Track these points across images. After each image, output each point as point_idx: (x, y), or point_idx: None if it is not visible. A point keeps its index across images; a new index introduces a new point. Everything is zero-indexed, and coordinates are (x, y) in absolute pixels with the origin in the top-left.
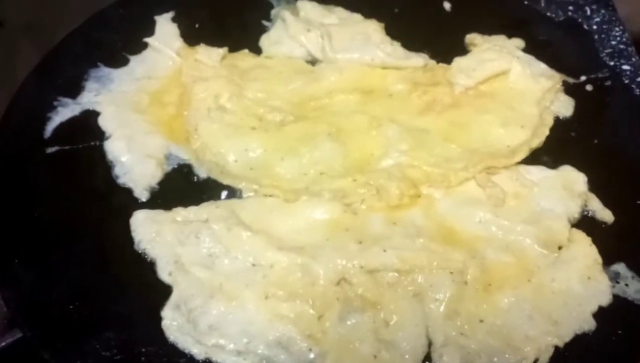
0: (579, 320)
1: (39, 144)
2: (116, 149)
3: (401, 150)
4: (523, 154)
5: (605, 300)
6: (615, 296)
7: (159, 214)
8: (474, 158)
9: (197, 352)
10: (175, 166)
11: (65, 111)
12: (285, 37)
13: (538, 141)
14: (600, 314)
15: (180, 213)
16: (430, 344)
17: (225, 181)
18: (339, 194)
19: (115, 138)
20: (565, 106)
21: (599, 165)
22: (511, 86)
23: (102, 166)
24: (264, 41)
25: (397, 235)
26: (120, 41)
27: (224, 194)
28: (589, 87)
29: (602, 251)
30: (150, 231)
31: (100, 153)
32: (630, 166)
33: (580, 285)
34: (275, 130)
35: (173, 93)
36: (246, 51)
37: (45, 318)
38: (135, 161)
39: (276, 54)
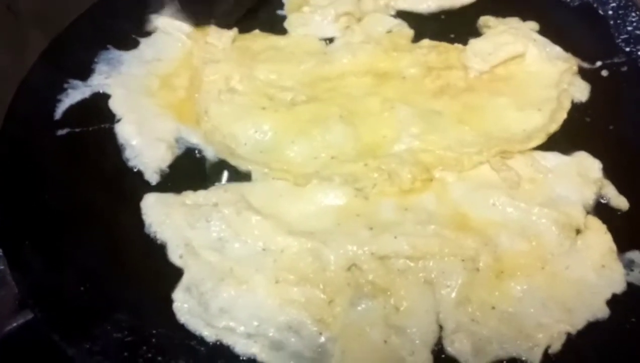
0: (593, 308)
1: (50, 127)
2: (126, 132)
3: (413, 133)
4: (540, 139)
5: (619, 288)
6: (630, 284)
7: (169, 197)
8: (488, 142)
9: (207, 334)
10: (186, 150)
11: (75, 94)
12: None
13: (556, 125)
14: (614, 302)
15: (190, 197)
16: (441, 330)
17: (235, 164)
18: (350, 179)
19: (125, 121)
20: (580, 91)
21: (614, 151)
22: (527, 69)
23: (113, 148)
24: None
25: (408, 221)
26: (129, 24)
27: (233, 177)
28: (604, 73)
29: (616, 239)
30: (161, 214)
31: (111, 135)
32: None
33: (595, 273)
34: (285, 110)
35: (183, 77)
36: (257, 31)
37: (56, 300)
38: (145, 144)
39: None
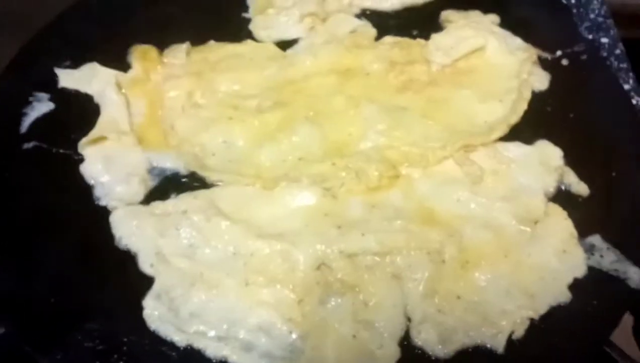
0: (555, 292)
1: (16, 140)
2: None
3: (379, 130)
4: (501, 131)
5: (580, 272)
6: (591, 268)
7: (137, 209)
8: (452, 136)
9: (178, 339)
10: (161, 178)
11: (41, 106)
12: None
13: (516, 117)
14: (576, 286)
15: (159, 207)
16: (409, 322)
17: (204, 175)
18: (318, 179)
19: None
20: (540, 80)
21: (574, 139)
22: (488, 61)
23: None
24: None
25: (375, 218)
26: (91, 37)
27: (202, 187)
28: (564, 62)
29: (577, 224)
30: (130, 227)
31: (77, 152)
32: (605, 139)
33: (556, 258)
34: (252, 118)
35: (137, 105)
36: (212, 42)
37: (26, 312)
38: (115, 182)
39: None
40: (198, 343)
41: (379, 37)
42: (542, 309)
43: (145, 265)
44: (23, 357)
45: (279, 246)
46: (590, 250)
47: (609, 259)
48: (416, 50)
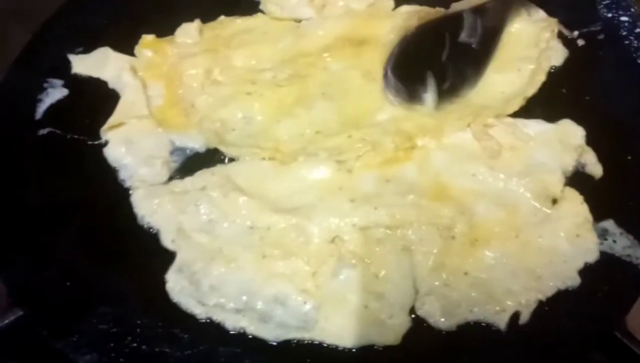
0: (563, 276)
1: (31, 127)
2: (117, 153)
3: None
4: (517, 104)
5: (592, 257)
6: (603, 253)
7: (157, 188)
8: (467, 108)
9: (199, 312)
10: (184, 159)
11: (55, 93)
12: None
13: (533, 89)
14: (587, 271)
15: (178, 185)
16: (417, 294)
17: (225, 151)
18: (335, 152)
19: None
20: (556, 57)
21: (589, 121)
22: (508, 29)
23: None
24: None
25: (388, 193)
26: (101, 22)
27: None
28: (580, 42)
29: (591, 208)
30: (152, 205)
31: (91, 137)
32: (621, 122)
33: (568, 242)
34: (270, 93)
35: (154, 87)
36: (223, 17)
37: (42, 297)
38: (138, 164)
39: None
40: (217, 316)
41: (396, 7)
42: (549, 291)
43: (167, 240)
44: (39, 341)
45: (294, 220)
46: (603, 234)
47: (622, 244)
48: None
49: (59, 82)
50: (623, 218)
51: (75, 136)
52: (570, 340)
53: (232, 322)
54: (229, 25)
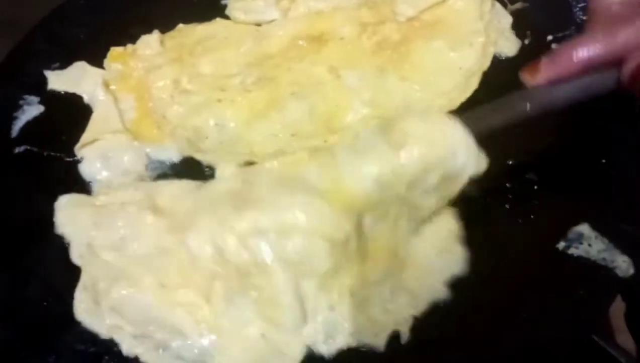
0: (433, 290)
1: (7, 144)
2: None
3: (364, 100)
4: (475, 82)
5: (457, 269)
6: (579, 257)
7: (80, 198)
8: (433, 98)
9: (103, 332)
10: (159, 172)
11: (31, 109)
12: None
13: (487, 61)
14: (563, 276)
15: (100, 198)
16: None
17: (202, 158)
18: None
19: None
20: (509, 47)
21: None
22: (452, 8)
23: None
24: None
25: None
26: (81, 36)
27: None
28: (554, 46)
29: (566, 212)
30: (68, 215)
31: (68, 154)
32: (596, 127)
33: (436, 256)
34: (240, 98)
35: (126, 101)
36: (181, 25)
37: (20, 317)
38: (113, 178)
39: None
40: (117, 338)
41: None
42: (422, 307)
43: (75, 255)
44: (15, 361)
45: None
46: (578, 239)
47: (597, 248)
48: (385, 8)
49: (35, 98)
50: (598, 221)
51: (52, 153)
52: (548, 346)
53: (128, 347)
54: (189, 33)
